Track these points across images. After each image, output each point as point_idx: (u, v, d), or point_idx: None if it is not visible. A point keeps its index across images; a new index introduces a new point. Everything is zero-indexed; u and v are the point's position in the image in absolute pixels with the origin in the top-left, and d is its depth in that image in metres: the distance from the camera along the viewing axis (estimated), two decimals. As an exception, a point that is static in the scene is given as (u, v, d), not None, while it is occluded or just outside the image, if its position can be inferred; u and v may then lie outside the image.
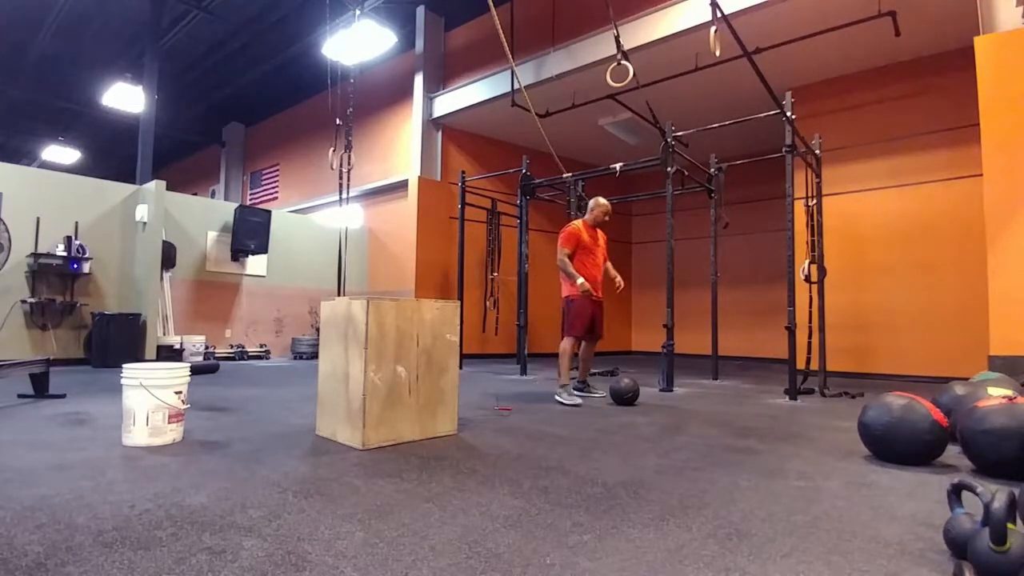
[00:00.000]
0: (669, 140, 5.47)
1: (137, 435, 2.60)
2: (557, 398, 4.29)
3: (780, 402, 4.65)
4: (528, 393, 4.88)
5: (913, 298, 6.58)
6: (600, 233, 4.71)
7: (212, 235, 8.25)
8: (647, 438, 3.04)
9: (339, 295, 4.60)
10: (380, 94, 9.90)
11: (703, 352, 8.29)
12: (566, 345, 4.45)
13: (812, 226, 5.75)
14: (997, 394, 2.60)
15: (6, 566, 1.32)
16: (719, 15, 4.04)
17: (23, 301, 6.50)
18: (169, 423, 2.66)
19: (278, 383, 5.45)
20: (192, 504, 1.79)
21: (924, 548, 1.53)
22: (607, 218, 4.65)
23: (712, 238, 6.70)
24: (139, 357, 6.64)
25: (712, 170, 6.62)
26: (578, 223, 4.62)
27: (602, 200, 4.68)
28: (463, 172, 7.90)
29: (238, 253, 8.38)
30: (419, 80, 9.16)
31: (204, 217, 8.22)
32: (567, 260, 4.46)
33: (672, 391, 5.16)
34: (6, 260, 5.22)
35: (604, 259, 4.74)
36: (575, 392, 4.49)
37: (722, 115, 6.33)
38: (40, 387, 3.96)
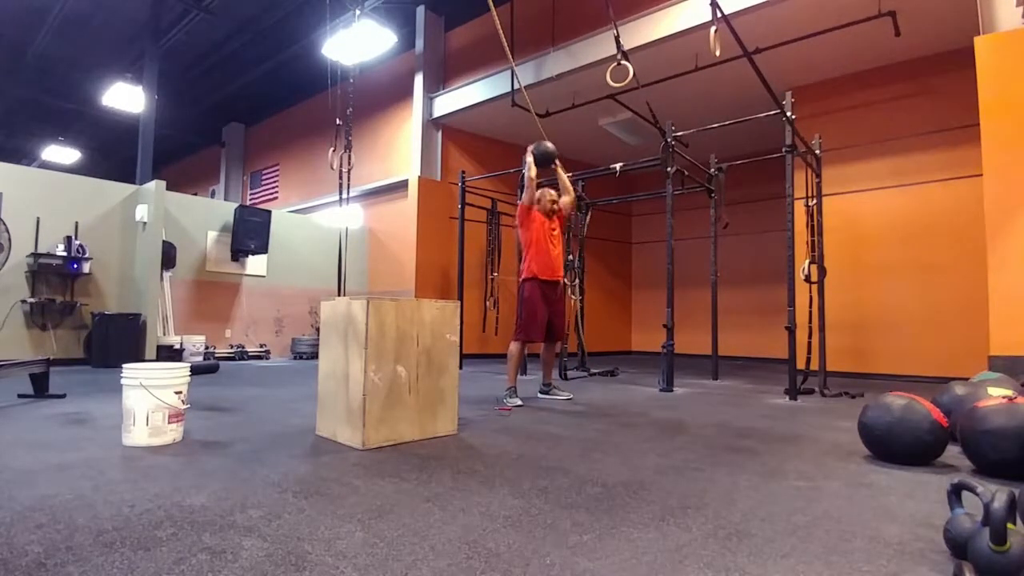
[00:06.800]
0: (669, 140, 5.47)
1: (137, 435, 2.59)
2: (503, 400, 4.22)
3: (780, 402, 4.65)
4: (528, 393, 4.88)
5: (913, 298, 6.58)
6: (557, 223, 4.58)
7: (212, 235, 8.25)
8: (647, 438, 3.03)
9: (339, 295, 4.60)
10: (380, 94, 9.90)
11: (703, 352, 8.29)
12: (514, 349, 4.32)
13: (812, 226, 5.75)
14: (997, 394, 2.60)
15: (6, 566, 1.32)
16: (719, 15, 4.04)
17: (23, 301, 6.51)
18: (169, 423, 2.66)
19: (278, 383, 5.45)
20: (192, 504, 1.79)
21: (924, 548, 1.53)
22: (555, 206, 4.51)
23: (712, 238, 6.70)
24: (139, 357, 6.64)
25: (712, 170, 6.62)
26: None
27: (549, 191, 4.55)
28: (463, 172, 7.90)
29: (238, 253, 8.39)
30: (419, 80, 9.16)
31: (204, 217, 8.22)
32: (530, 189, 4.42)
33: (672, 391, 5.16)
34: (6, 260, 5.23)
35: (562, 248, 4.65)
36: (552, 394, 4.56)
37: (722, 115, 6.33)
38: (40, 387, 3.96)
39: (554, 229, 4.52)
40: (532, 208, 4.45)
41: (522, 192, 4.76)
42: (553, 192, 4.57)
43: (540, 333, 4.40)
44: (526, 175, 4.49)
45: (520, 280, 4.54)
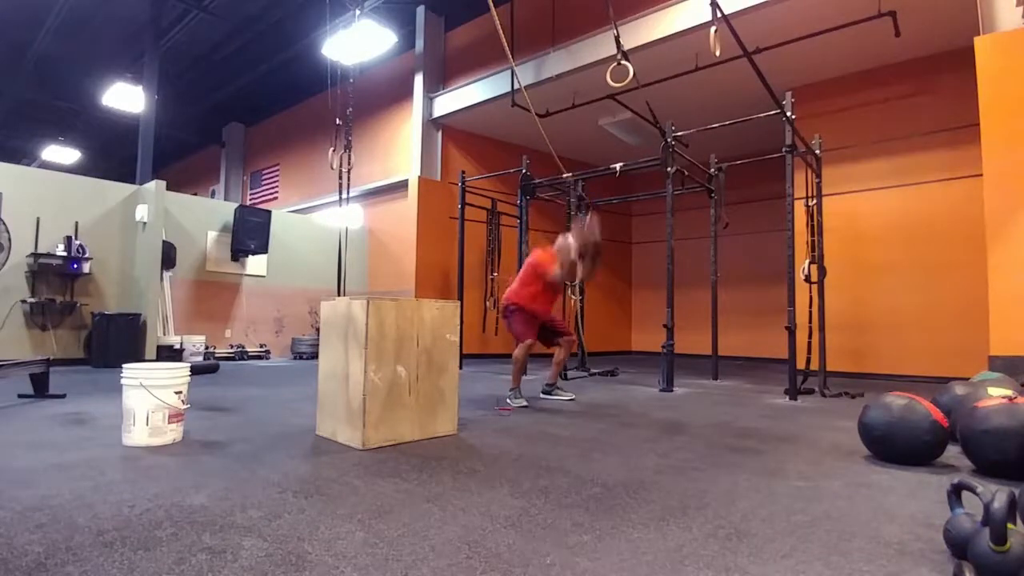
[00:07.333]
0: (669, 140, 5.47)
1: (137, 435, 2.59)
2: (507, 400, 4.22)
3: (780, 402, 4.65)
4: (529, 393, 4.87)
5: (913, 298, 6.58)
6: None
7: (212, 235, 8.25)
8: (647, 438, 3.04)
9: (339, 295, 4.60)
10: (380, 94, 9.90)
11: (703, 352, 8.28)
12: (519, 352, 4.33)
13: (812, 226, 5.75)
14: (997, 394, 2.60)
15: (6, 566, 1.32)
16: (719, 15, 4.04)
17: (23, 301, 6.50)
18: (169, 423, 2.66)
19: (278, 383, 5.45)
20: (192, 504, 1.79)
21: (924, 548, 1.53)
22: (562, 286, 4.52)
23: (712, 238, 6.70)
24: (139, 357, 6.63)
25: (712, 170, 6.62)
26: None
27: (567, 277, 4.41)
28: (463, 172, 7.90)
29: (238, 253, 8.39)
30: (419, 80, 9.16)
31: (204, 217, 8.22)
32: (559, 274, 4.31)
33: (672, 391, 5.16)
34: (6, 260, 5.23)
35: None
36: (554, 394, 4.57)
37: (722, 115, 6.33)
38: (40, 387, 3.96)
39: (556, 293, 4.65)
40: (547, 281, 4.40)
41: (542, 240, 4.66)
42: (571, 276, 4.46)
43: (536, 334, 4.39)
44: (568, 260, 4.31)
45: (506, 303, 4.46)
